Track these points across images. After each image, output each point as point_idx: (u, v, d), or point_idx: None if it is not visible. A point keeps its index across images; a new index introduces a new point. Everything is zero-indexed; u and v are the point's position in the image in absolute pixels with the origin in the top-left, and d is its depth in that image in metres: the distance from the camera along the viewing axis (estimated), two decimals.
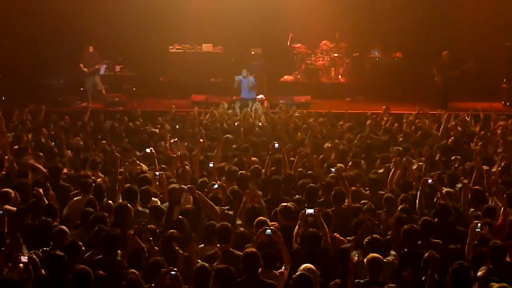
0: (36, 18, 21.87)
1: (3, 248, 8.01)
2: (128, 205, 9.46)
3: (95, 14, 22.02)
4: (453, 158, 12.88)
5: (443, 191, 10.47)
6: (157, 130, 15.79)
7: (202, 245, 8.67)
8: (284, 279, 7.73)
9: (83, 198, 10.27)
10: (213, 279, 7.20)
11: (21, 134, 14.58)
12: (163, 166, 12.05)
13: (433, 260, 7.64)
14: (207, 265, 7.56)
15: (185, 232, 8.78)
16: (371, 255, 7.88)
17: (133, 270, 7.45)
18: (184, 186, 10.07)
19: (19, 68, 21.61)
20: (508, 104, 20.32)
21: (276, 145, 13.23)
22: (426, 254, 7.74)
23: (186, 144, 14.49)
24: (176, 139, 14.25)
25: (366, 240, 8.36)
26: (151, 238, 8.29)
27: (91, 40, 21.68)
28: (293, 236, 8.66)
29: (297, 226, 8.77)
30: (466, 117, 16.90)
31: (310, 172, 11.85)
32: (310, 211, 8.72)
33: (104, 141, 13.99)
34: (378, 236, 8.39)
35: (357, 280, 7.54)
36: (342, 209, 9.98)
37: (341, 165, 12.31)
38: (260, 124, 16.46)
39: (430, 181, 10.56)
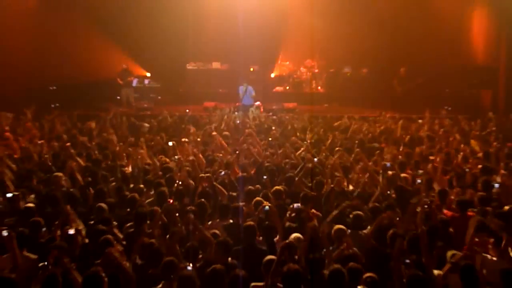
0: (87, 44, 21.71)
1: (56, 222, 7.96)
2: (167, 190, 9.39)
3: (130, 40, 21.94)
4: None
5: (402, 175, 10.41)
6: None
7: (218, 220, 8.58)
8: (280, 245, 7.61)
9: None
10: (216, 248, 7.10)
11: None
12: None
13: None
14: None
15: (206, 209, 8.71)
16: (337, 226, 7.66)
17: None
18: (203, 175, 10.02)
19: (73, 81, 21.30)
20: (449, 108, 20.19)
21: (270, 139, 13.13)
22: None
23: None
24: (186, 139, 13.77)
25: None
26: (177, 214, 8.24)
27: (126, 58, 21.71)
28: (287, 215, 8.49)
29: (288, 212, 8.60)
30: (419, 121, 16.89)
31: (293, 161, 11.64)
32: (266, 208, 8.25)
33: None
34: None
35: (325, 250, 7.25)
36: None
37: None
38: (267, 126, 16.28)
39: (388, 164, 10.45)
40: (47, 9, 21.05)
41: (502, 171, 10.62)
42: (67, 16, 21.40)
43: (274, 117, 18.22)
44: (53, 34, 21.05)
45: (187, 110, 18.43)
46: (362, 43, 22.02)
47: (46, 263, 6.60)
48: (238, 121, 16.69)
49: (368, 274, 6.26)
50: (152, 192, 9.73)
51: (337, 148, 12.60)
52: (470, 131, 15.40)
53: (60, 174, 10.15)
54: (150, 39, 22.06)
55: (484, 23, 21.59)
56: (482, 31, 21.52)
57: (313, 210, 8.64)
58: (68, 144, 12.39)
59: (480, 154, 12.52)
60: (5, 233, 6.90)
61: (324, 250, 7.23)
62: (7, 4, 20.02)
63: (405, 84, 20.80)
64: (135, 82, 22.04)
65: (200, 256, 7.17)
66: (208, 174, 10.02)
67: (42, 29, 20.81)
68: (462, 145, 13.25)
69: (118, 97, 21.66)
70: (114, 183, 10.23)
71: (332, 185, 9.83)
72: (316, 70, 23.47)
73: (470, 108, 19.60)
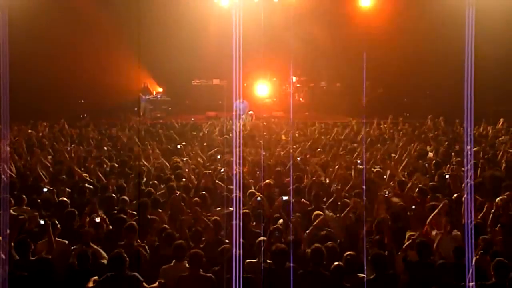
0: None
1: (85, 211, 7.92)
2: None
3: (147, 61, 21.73)
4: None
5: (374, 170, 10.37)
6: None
7: (219, 208, 8.53)
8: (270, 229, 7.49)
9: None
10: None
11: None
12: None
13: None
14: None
15: (207, 200, 8.66)
16: (316, 212, 7.65)
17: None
18: (206, 172, 9.98)
19: (98, 96, 21.23)
20: (408, 115, 20.16)
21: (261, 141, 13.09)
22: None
23: (205, 144, 14.12)
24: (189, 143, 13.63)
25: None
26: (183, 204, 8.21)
27: (146, 78, 21.86)
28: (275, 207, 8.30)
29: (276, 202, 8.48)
30: (382, 125, 16.88)
31: (281, 159, 11.57)
32: (258, 198, 8.24)
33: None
34: None
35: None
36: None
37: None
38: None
39: (359, 161, 10.43)
40: (80, 37, 21.02)
41: (452, 166, 10.64)
42: (94, 41, 21.34)
43: (265, 123, 18.18)
44: (80, 57, 21.01)
45: (192, 119, 18.43)
46: (335, 62, 22.06)
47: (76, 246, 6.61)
48: (234, 127, 16.64)
49: (348, 253, 6.24)
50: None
51: (318, 149, 12.63)
52: (422, 133, 15.42)
53: (84, 174, 10.09)
54: (162, 62, 21.97)
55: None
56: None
57: (302, 200, 8.68)
58: (94, 148, 12.33)
59: (431, 154, 12.55)
60: (42, 222, 6.97)
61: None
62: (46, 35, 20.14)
63: (367, 94, 20.91)
64: (151, 97, 22.10)
65: (203, 238, 7.16)
66: (210, 171, 9.97)
67: (70, 52, 20.75)
68: (417, 145, 13.28)
69: (136, 108, 21.63)
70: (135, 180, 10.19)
71: (313, 178, 9.83)
72: (298, 85, 23.47)
73: (424, 114, 19.56)
